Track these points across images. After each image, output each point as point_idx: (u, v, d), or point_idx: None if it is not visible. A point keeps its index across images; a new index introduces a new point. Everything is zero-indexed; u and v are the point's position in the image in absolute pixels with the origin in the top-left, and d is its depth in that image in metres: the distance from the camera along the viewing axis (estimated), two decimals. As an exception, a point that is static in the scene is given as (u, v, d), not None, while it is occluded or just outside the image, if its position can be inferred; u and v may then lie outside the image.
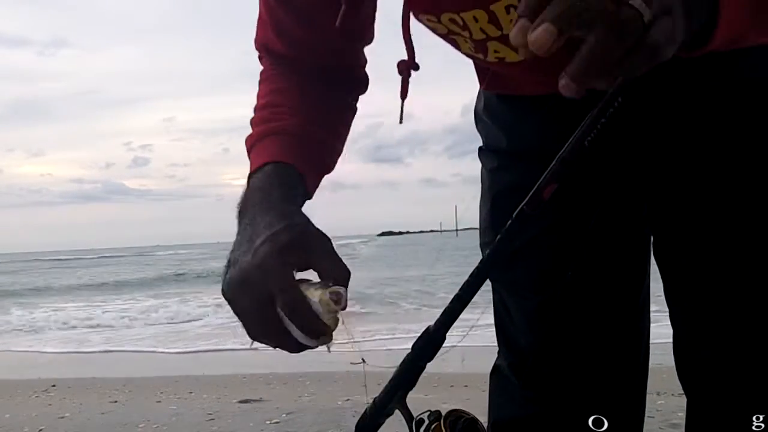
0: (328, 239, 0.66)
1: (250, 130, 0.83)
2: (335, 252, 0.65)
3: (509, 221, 0.63)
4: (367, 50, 0.90)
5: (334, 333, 0.62)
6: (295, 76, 0.86)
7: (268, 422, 3.29)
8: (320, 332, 0.61)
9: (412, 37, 0.76)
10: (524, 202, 0.61)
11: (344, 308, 0.61)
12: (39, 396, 4.50)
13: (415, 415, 0.67)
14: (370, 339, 7.22)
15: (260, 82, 0.88)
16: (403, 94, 0.79)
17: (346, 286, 0.62)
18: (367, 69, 0.91)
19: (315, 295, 0.61)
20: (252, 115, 0.85)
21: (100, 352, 7.44)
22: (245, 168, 0.79)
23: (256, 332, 0.65)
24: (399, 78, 0.82)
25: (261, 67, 0.91)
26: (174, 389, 4.56)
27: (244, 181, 0.78)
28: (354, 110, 0.90)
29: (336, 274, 0.63)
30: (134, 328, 9.35)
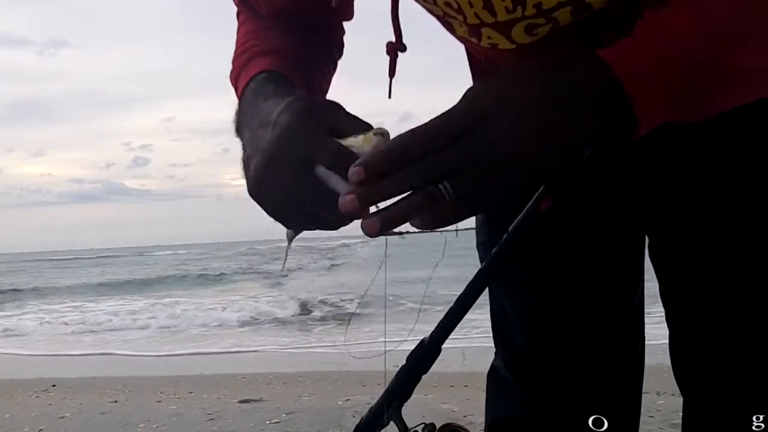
0: (339, 104, 0.62)
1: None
2: (350, 113, 0.61)
3: (504, 236, 0.62)
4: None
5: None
6: (277, 24, 0.85)
7: (268, 422, 3.29)
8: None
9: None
10: (520, 216, 0.61)
11: None
12: (39, 396, 4.51)
13: (416, 418, 0.66)
14: (374, 341, 7.24)
15: (238, 28, 0.87)
16: (391, 72, 0.80)
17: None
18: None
19: (356, 142, 0.55)
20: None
21: (99, 354, 7.44)
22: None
23: (299, 213, 0.60)
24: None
25: (238, 21, 0.89)
26: (174, 389, 4.57)
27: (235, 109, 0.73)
28: (335, 64, 0.89)
29: (360, 127, 0.58)
30: (132, 330, 9.33)
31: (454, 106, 0.54)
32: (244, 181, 0.65)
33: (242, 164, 0.65)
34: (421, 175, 0.52)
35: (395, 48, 0.78)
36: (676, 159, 0.78)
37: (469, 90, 0.56)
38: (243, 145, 0.66)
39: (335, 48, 0.91)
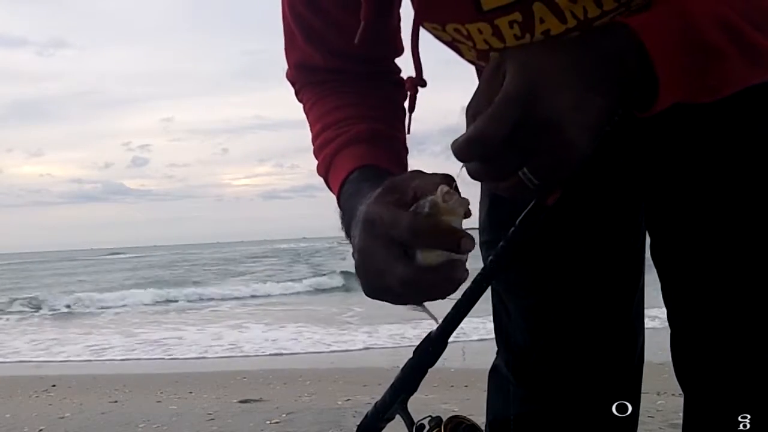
0: (416, 171, 0.62)
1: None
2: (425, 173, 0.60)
3: (512, 228, 0.62)
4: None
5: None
6: (344, 89, 0.84)
7: (268, 422, 3.29)
8: (453, 241, 0.54)
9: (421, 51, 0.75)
10: (527, 210, 0.61)
11: (465, 211, 0.56)
12: (39, 396, 4.51)
13: (415, 419, 0.66)
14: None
15: (308, 111, 0.86)
16: (411, 108, 0.79)
17: (451, 185, 0.56)
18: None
19: (426, 206, 0.55)
20: (312, 146, 0.83)
21: (100, 350, 7.44)
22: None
23: (407, 290, 0.58)
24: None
25: (301, 103, 0.89)
26: (174, 389, 4.56)
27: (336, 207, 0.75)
28: (403, 110, 0.86)
29: (436, 180, 0.57)
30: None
31: (502, 93, 0.54)
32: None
33: (356, 270, 0.64)
34: (502, 171, 0.55)
35: (416, 83, 0.76)
36: (679, 160, 0.78)
37: (501, 73, 0.55)
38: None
39: (400, 89, 0.87)
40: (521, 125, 0.53)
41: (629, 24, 0.56)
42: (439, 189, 0.55)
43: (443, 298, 0.59)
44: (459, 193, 0.56)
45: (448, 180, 0.56)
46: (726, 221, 0.76)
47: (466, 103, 0.57)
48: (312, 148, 0.84)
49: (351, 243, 0.66)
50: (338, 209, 0.75)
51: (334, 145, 0.79)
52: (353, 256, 0.64)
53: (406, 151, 0.84)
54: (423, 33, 0.75)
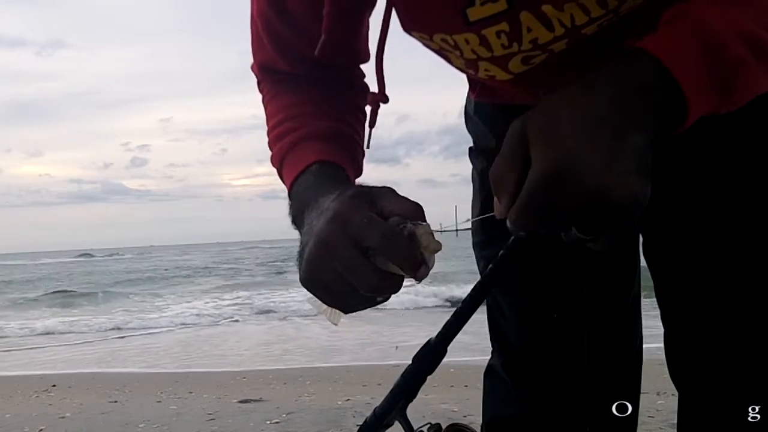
0: (390, 188, 0.62)
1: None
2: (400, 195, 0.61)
3: (512, 237, 0.62)
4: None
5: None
6: (304, 87, 0.84)
7: (268, 422, 3.28)
8: (416, 265, 0.56)
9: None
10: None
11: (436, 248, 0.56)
12: (39, 396, 4.50)
13: (415, 419, 0.66)
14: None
15: (267, 103, 0.85)
16: (371, 123, 0.79)
17: (423, 220, 0.57)
18: (364, 69, 0.90)
19: (406, 231, 0.56)
20: (267, 138, 0.82)
21: (100, 352, 7.44)
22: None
23: (353, 297, 0.59)
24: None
25: (260, 94, 0.88)
26: (174, 389, 4.56)
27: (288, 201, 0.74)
28: (364, 113, 0.87)
29: (411, 208, 0.58)
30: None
31: (528, 182, 0.53)
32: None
33: (298, 256, 0.64)
34: (551, 230, 0.55)
35: (377, 100, 0.76)
36: (670, 160, 0.78)
37: (524, 142, 0.54)
38: (300, 237, 0.66)
39: (362, 93, 0.87)
40: (558, 206, 0.52)
41: (653, 51, 0.54)
42: (423, 226, 0.56)
43: (374, 305, 0.60)
44: (428, 224, 0.57)
45: (419, 210, 0.58)
46: (717, 220, 0.76)
47: (491, 170, 0.56)
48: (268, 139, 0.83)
49: (301, 230, 0.66)
50: (290, 198, 0.74)
51: (292, 136, 0.78)
52: (302, 242, 0.64)
53: (362, 154, 0.83)
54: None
